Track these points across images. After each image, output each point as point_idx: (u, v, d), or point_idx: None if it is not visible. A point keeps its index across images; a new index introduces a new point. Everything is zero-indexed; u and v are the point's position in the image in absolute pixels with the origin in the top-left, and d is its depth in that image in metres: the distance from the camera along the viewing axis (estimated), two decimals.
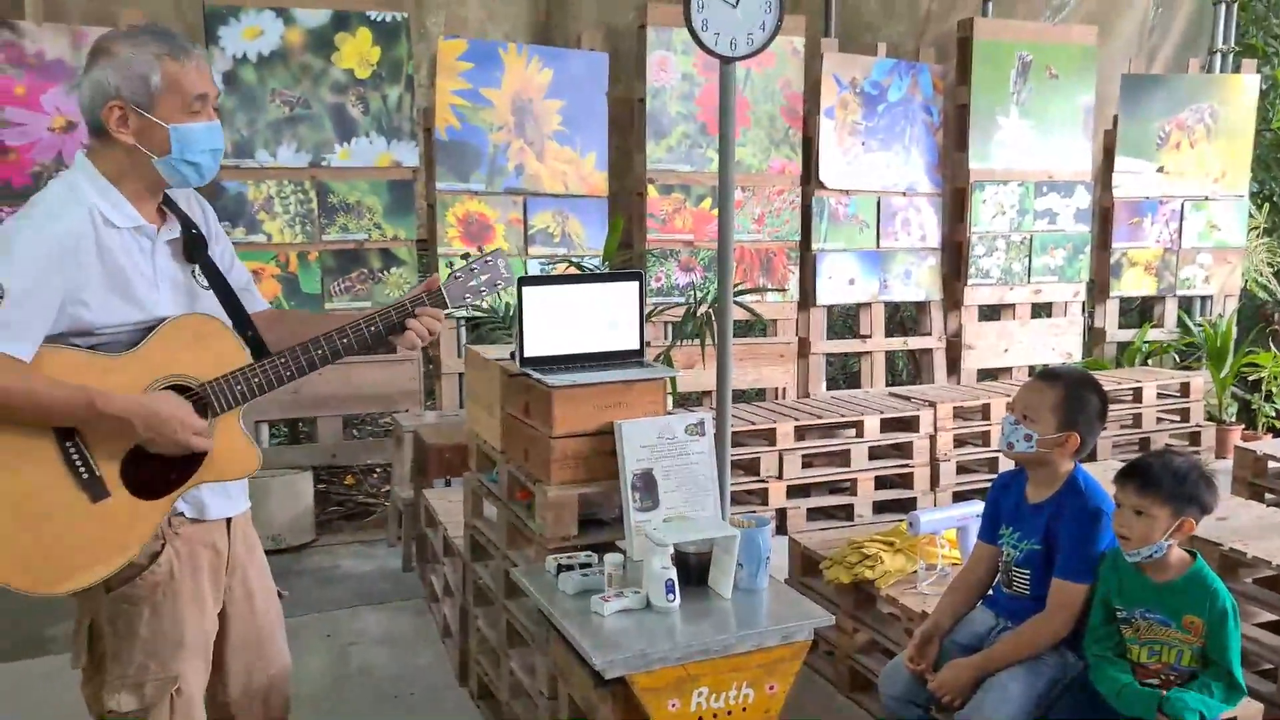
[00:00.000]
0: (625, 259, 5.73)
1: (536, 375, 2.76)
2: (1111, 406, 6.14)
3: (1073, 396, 2.60)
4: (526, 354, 2.83)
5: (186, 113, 2.03)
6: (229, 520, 2.25)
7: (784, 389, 6.39)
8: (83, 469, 1.96)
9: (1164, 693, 2.35)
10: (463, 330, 5.73)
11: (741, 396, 6.65)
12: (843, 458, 5.43)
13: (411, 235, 5.51)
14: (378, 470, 6.41)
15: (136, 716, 2.08)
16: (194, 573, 2.14)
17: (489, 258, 2.40)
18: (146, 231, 2.08)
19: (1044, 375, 2.72)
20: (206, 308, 2.17)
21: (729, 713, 2.34)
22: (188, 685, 2.15)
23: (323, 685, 3.66)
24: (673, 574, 2.41)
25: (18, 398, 1.87)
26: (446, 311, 2.34)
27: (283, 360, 2.14)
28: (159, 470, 2.03)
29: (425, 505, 4.29)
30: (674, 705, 2.28)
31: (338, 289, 5.35)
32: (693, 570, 2.53)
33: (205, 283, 2.19)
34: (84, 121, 2.04)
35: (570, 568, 2.57)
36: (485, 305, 4.75)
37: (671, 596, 2.40)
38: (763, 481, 5.24)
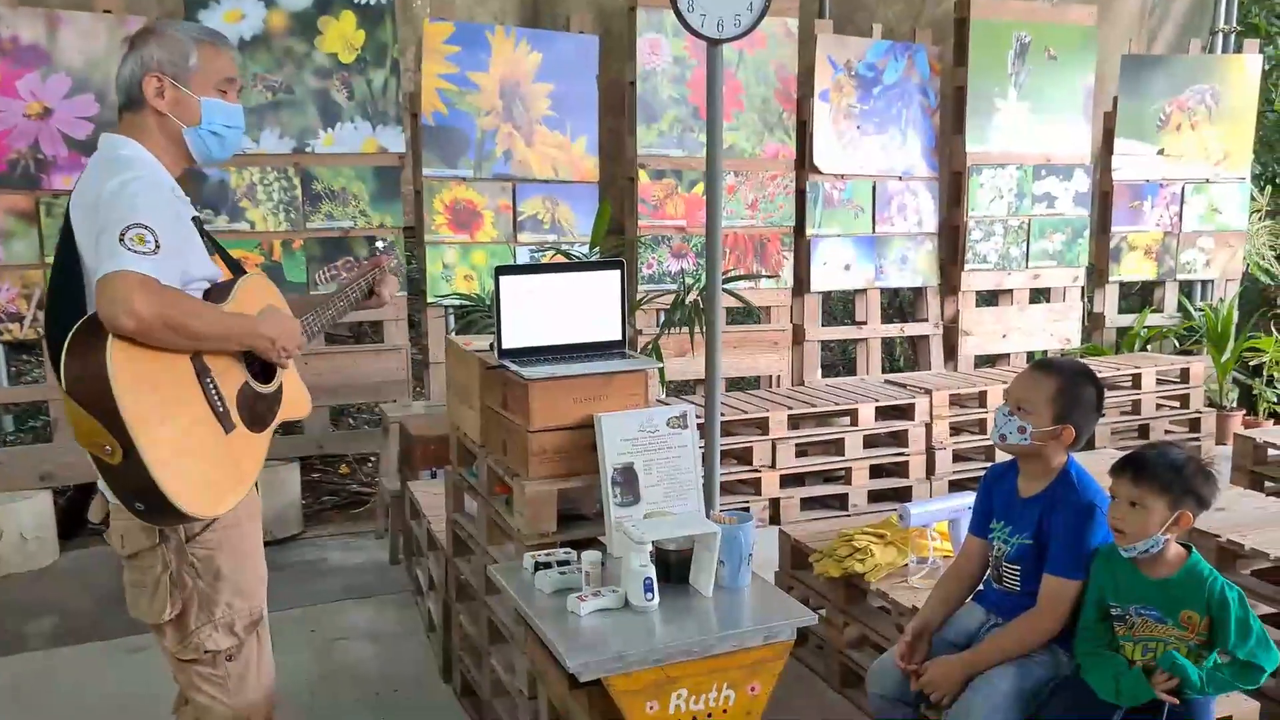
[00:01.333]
0: (616, 245, 5.65)
1: (514, 367, 2.69)
2: (1110, 393, 6.11)
3: (1069, 388, 2.52)
4: (504, 345, 2.76)
5: (216, 91, 2.26)
6: None
7: (778, 376, 6.32)
8: (219, 403, 2.12)
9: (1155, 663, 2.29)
10: (451, 318, 5.65)
11: (736, 384, 6.58)
12: (837, 446, 5.36)
13: (398, 223, 5.42)
14: (372, 459, 6.34)
15: (230, 652, 2.27)
16: (250, 516, 2.32)
17: (390, 248, 2.72)
18: (185, 202, 2.26)
19: (1039, 366, 2.63)
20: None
21: (709, 715, 2.27)
22: (264, 614, 2.36)
23: (305, 682, 3.60)
24: (651, 572, 2.34)
25: (209, 325, 2.07)
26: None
27: (312, 317, 2.44)
28: (255, 406, 2.24)
29: (410, 497, 4.22)
30: (652, 707, 2.21)
31: (323, 277, 5.27)
32: (673, 568, 2.46)
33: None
34: (119, 98, 2.23)
35: (548, 565, 2.50)
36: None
37: (650, 595, 2.32)
38: (755, 471, 5.17)
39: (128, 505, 2.01)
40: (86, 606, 4.23)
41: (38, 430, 6.31)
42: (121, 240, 1.96)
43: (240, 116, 2.33)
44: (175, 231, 2.10)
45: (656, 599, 2.33)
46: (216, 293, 2.22)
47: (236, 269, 2.40)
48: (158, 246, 1.99)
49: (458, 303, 5.37)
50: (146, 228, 2.00)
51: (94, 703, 3.45)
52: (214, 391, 2.12)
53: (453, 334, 5.47)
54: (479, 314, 4.96)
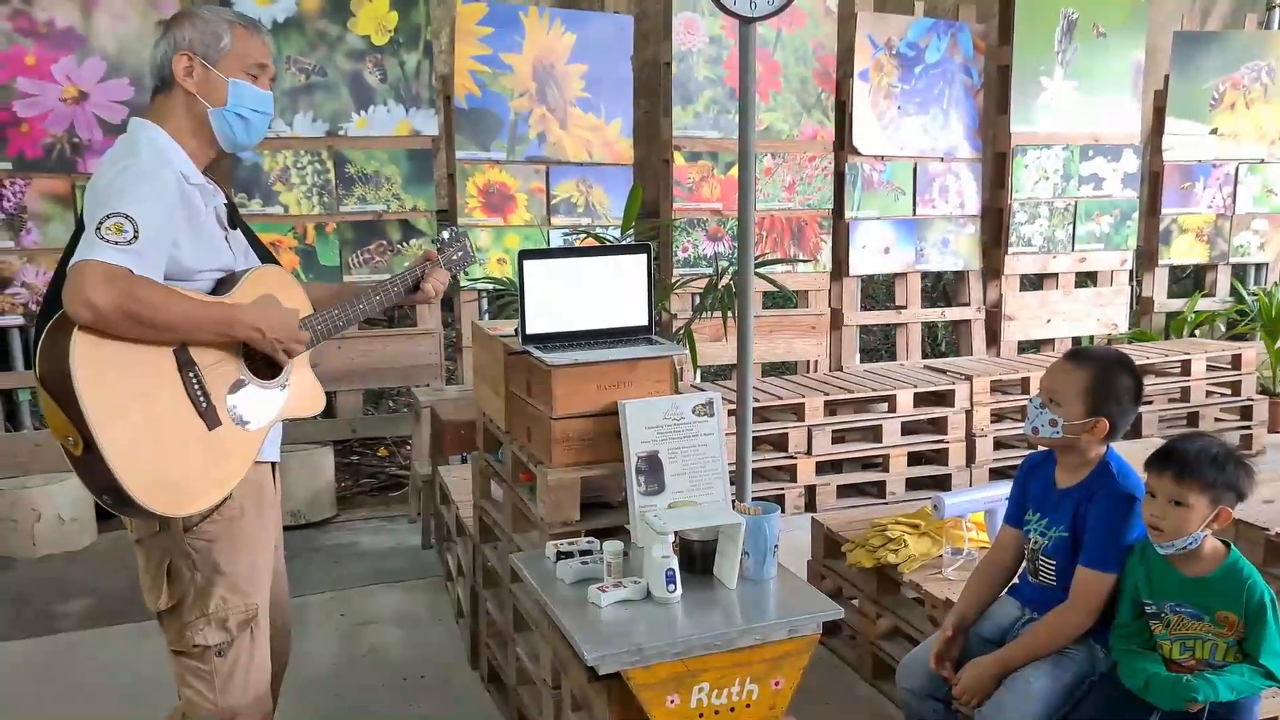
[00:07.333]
0: (651, 229, 5.58)
1: (537, 353, 2.65)
2: (1158, 379, 5.96)
3: (1103, 379, 2.42)
4: (528, 331, 2.72)
5: (246, 74, 2.23)
6: (274, 465, 2.38)
7: (815, 362, 6.23)
8: (202, 398, 2.08)
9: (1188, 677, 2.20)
10: (485, 301, 5.63)
11: (774, 369, 6.50)
12: (875, 433, 5.27)
13: (431, 206, 5.39)
14: (410, 442, 6.35)
15: (220, 648, 2.21)
16: (257, 510, 2.27)
17: (459, 235, 2.64)
18: (207, 191, 2.22)
19: (1072, 356, 2.54)
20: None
21: (731, 709, 2.22)
22: (262, 612, 2.29)
23: (333, 666, 3.60)
24: (673, 563, 2.29)
25: (177, 316, 2.00)
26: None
27: (339, 310, 2.35)
28: (251, 404, 2.19)
29: (440, 482, 4.21)
30: (673, 701, 2.17)
31: (356, 261, 5.26)
32: (697, 559, 2.41)
33: (244, 247, 2.35)
34: (151, 80, 2.22)
35: (570, 555, 2.47)
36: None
37: (672, 587, 2.28)
38: (791, 458, 5.10)
39: (98, 498, 1.98)
40: (121, 588, 4.26)
41: None
42: (98, 229, 1.94)
43: (269, 103, 2.29)
44: (171, 221, 2.06)
45: (679, 591, 2.28)
46: (225, 284, 2.19)
47: (269, 261, 2.37)
48: (136, 236, 1.95)
49: (490, 287, 5.34)
50: (126, 217, 1.96)
51: (126, 684, 3.47)
52: (197, 386, 2.08)
53: (485, 318, 5.44)
54: (511, 298, 4.92)
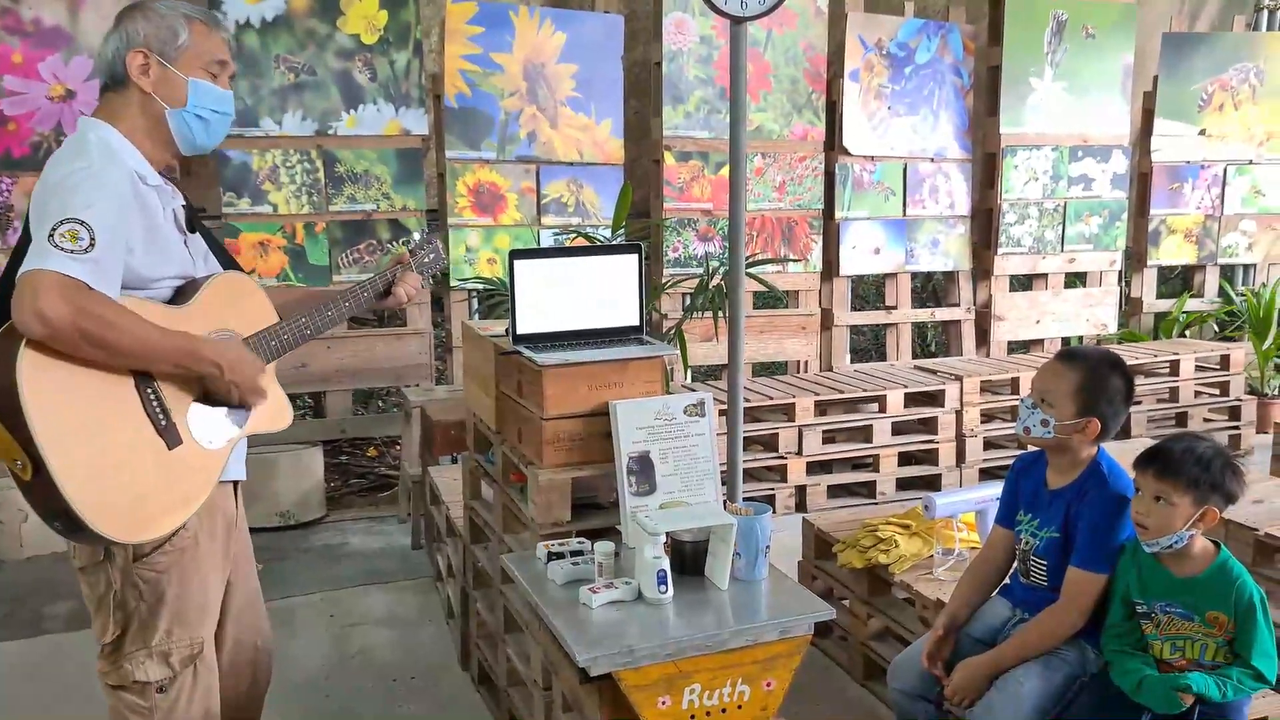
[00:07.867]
0: (641, 229, 5.58)
1: (528, 353, 2.64)
2: (1147, 380, 5.98)
3: (1094, 379, 2.43)
4: (519, 331, 2.71)
5: (205, 73, 2.12)
6: (235, 484, 2.28)
7: (806, 362, 6.23)
8: (161, 416, 1.97)
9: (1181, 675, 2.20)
10: (475, 302, 5.61)
11: (764, 369, 6.50)
12: (865, 433, 5.28)
13: (421, 205, 5.38)
14: (400, 442, 6.33)
15: (162, 684, 2.10)
16: (211, 535, 2.16)
17: (430, 238, 2.63)
18: (164, 192, 2.12)
19: (1063, 356, 2.55)
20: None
21: (723, 710, 2.21)
22: (208, 648, 2.18)
23: (323, 668, 3.58)
24: (665, 564, 2.28)
25: (134, 342, 1.88)
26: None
27: (304, 320, 2.25)
28: (213, 421, 2.09)
29: (430, 483, 4.20)
30: (664, 703, 2.16)
31: (346, 261, 5.24)
32: (688, 560, 2.40)
33: (204, 251, 2.25)
34: (102, 77, 2.10)
35: (561, 555, 2.46)
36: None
37: (664, 588, 2.27)
38: (782, 458, 5.10)
39: (49, 525, 1.85)
40: None
41: None
42: (50, 237, 1.80)
43: (230, 103, 2.17)
44: (126, 224, 1.94)
45: (670, 591, 2.28)
46: (184, 292, 2.09)
47: (230, 266, 2.27)
48: (92, 243, 1.82)
49: (481, 286, 5.33)
50: (81, 223, 1.83)
51: None
52: (156, 402, 1.95)
53: (475, 318, 5.43)
54: (502, 298, 4.91)
